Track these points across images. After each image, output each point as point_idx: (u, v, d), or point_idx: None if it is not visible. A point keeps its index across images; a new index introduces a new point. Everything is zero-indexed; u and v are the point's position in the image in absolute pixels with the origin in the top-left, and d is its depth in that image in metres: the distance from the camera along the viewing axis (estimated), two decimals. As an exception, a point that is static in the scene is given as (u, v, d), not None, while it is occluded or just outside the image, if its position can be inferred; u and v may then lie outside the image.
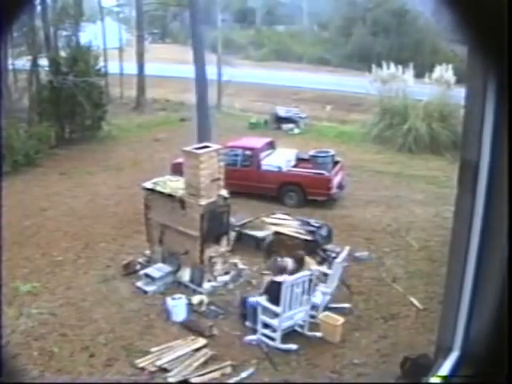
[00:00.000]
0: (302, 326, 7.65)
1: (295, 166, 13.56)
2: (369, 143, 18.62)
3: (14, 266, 9.65)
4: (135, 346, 7.45)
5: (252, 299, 7.79)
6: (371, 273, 9.61)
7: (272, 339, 7.40)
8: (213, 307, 8.39)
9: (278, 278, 7.61)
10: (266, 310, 7.49)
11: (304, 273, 7.73)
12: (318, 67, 36.44)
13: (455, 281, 2.69)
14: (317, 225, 10.55)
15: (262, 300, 7.54)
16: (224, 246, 9.42)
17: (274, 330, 7.42)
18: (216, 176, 8.99)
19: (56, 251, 10.54)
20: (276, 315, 7.36)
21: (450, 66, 18.04)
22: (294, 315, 7.51)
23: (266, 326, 7.54)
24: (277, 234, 10.47)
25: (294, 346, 7.31)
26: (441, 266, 8.31)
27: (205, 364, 7.02)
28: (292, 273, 7.81)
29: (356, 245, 10.60)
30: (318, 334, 7.57)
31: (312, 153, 13.67)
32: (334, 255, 9.83)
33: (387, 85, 19.04)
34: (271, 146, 14.18)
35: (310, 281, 7.56)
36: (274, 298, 7.39)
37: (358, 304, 8.53)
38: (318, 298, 7.96)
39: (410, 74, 18.75)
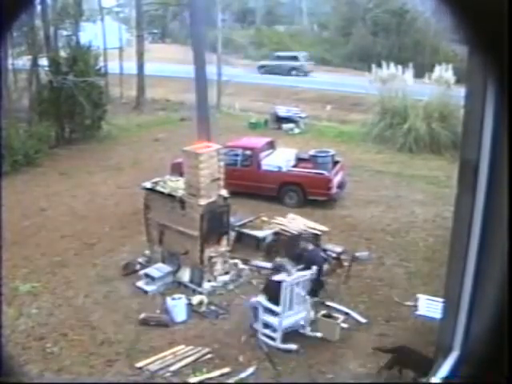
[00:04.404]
0: (303, 326, 7.65)
1: (295, 166, 13.54)
2: (369, 143, 18.62)
3: (13, 266, 9.66)
4: (135, 346, 7.45)
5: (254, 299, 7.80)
6: (371, 273, 9.62)
7: (273, 339, 7.40)
8: (213, 307, 8.40)
9: (277, 277, 7.61)
10: (266, 310, 7.50)
11: (304, 272, 7.73)
12: (318, 67, 36.45)
13: (455, 281, 2.69)
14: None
15: (263, 300, 7.56)
16: (224, 246, 9.42)
17: (275, 330, 7.42)
18: (216, 176, 8.98)
19: (56, 251, 10.54)
20: (276, 315, 7.36)
21: (450, 66, 18.04)
22: (294, 315, 7.52)
23: (266, 325, 7.55)
24: (277, 233, 10.48)
25: (294, 346, 7.30)
26: (441, 266, 8.30)
27: (205, 363, 7.03)
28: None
29: (356, 245, 10.62)
30: (319, 335, 7.56)
31: (312, 153, 13.65)
32: (334, 255, 9.85)
33: (387, 85, 19.04)
34: (271, 145, 14.17)
35: (311, 280, 7.57)
36: (274, 298, 7.40)
37: (357, 304, 8.53)
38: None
39: (409, 73, 18.76)
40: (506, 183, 1.60)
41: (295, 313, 7.54)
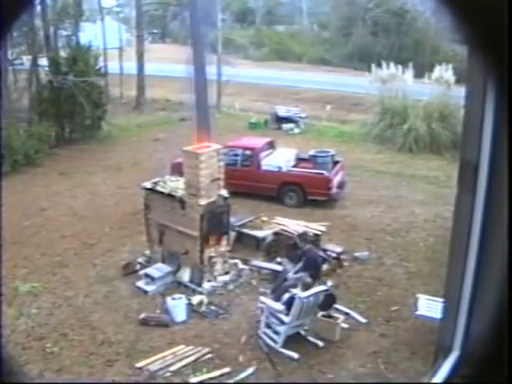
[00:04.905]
0: (305, 330, 7.64)
1: (295, 166, 13.55)
2: (369, 143, 18.62)
3: (13, 266, 9.66)
4: (135, 347, 7.45)
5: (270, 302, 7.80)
6: (371, 273, 9.62)
7: (274, 341, 7.38)
8: (213, 307, 8.39)
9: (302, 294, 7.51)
10: (273, 314, 7.49)
11: (320, 288, 7.70)
12: (318, 67, 36.46)
13: (455, 281, 2.69)
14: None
15: (272, 303, 7.58)
16: (224, 246, 9.42)
17: (277, 332, 7.40)
18: (216, 176, 8.98)
19: (56, 251, 10.54)
20: (283, 322, 7.35)
21: (450, 66, 18.04)
22: (300, 325, 7.52)
23: (268, 326, 7.53)
24: (277, 234, 10.48)
25: (295, 355, 7.18)
26: (441, 266, 8.31)
27: (205, 363, 7.03)
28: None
29: (356, 245, 10.62)
30: (320, 344, 7.45)
31: (312, 153, 13.65)
32: (334, 255, 9.85)
33: (387, 85, 19.04)
34: (271, 145, 14.17)
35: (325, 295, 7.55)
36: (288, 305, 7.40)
37: (358, 304, 8.52)
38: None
39: (409, 73, 18.76)
40: (506, 183, 1.60)
41: (302, 323, 7.54)
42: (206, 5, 27.56)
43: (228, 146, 12.96)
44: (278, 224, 10.81)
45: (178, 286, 9.04)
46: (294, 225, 10.70)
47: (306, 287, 7.63)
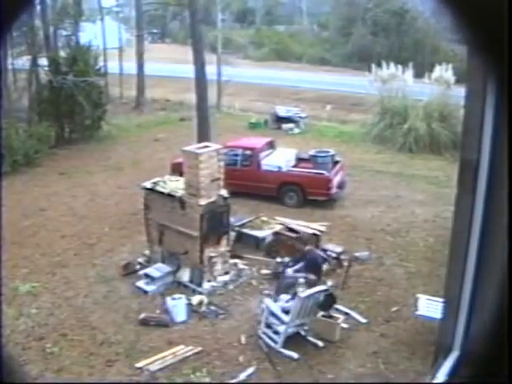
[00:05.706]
0: (305, 330, 7.63)
1: (295, 166, 13.54)
2: (369, 143, 18.61)
3: (13, 266, 9.65)
4: (135, 347, 7.45)
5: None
6: (371, 273, 9.62)
7: (274, 341, 7.38)
8: (213, 307, 8.39)
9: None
10: (273, 314, 7.49)
11: (321, 287, 7.70)
12: (317, 67, 36.48)
13: (455, 281, 2.69)
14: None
15: (272, 305, 7.56)
16: (224, 246, 9.41)
17: (277, 332, 7.39)
18: (216, 176, 8.98)
19: (56, 251, 10.54)
20: (283, 322, 7.34)
21: (450, 66, 18.04)
22: (300, 324, 7.52)
23: (268, 326, 7.53)
24: (277, 233, 10.47)
25: (295, 355, 7.17)
26: (441, 266, 8.30)
27: (205, 363, 7.03)
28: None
29: (356, 245, 10.61)
30: (320, 344, 7.44)
31: (312, 153, 13.64)
32: (334, 255, 9.85)
33: (387, 85, 19.04)
34: (271, 145, 14.16)
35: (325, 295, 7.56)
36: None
37: (358, 304, 8.52)
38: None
39: (409, 73, 18.76)
40: (506, 183, 1.60)
41: (302, 323, 7.53)
42: (205, 5, 27.61)
43: (228, 146, 12.96)
44: (280, 224, 10.81)
45: (178, 286, 9.04)
46: (295, 225, 10.70)
47: (311, 285, 7.63)
